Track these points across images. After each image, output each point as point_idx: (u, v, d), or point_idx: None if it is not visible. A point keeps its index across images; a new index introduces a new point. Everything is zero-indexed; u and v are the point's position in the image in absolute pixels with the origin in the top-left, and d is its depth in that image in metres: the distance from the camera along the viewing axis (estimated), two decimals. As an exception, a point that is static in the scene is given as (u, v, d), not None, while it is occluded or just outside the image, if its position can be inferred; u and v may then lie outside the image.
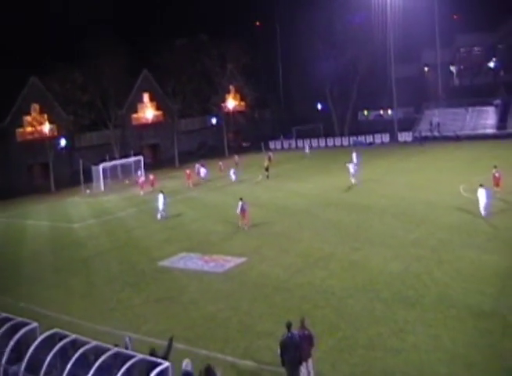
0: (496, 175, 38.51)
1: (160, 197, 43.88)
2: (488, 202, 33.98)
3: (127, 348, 17.24)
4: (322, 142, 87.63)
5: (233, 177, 57.45)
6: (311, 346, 16.75)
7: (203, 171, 61.79)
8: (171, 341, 16.95)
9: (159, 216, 43.79)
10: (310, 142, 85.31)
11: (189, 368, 15.85)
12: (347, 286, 24.55)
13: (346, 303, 22.72)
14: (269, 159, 65.62)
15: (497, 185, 38.25)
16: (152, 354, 16.33)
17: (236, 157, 70.70)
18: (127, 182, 66.18)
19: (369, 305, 22.21)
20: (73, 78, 67.63)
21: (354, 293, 23.64)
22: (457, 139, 75.53)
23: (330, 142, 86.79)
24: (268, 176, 57.46)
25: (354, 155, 56.54)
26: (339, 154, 67.80)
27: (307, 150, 75.83)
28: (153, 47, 75.83)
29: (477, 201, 34.33)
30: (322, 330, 19.80)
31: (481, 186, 34.20)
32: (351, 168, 49.92)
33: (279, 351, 16.58)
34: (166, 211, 44.06)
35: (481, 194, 33.87)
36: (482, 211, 34.00)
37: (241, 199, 37.66)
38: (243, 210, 37.21)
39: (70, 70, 66.63)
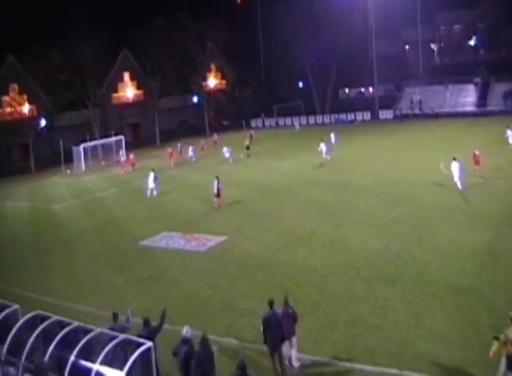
0: (477, 153, 38.74)
1: (151, 175, 43.81)
2: (462, 174, 34.80)
3: (128, 321, 17.57)
4: (303, 120, 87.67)
5: (227, 154, 56.31)
6: (295, 323, 16.83)
7: (191, 149, 61.05)
8: (163, 313, 17.09)
9: (148, 193, 43.73)
10: (299, 120, 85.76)
11: (188, 335, 16.13)
12: (329, 264, 24.69)
13: (327, 281, 22.86)
14: (251, 137, 65.58)
15: (477, 163, 38.46)
16: (145, 322, 16.69)
17: (215, 136, 70.89)
18: (103, 163, 65.60)
19: (350, 283, 22.36)
20: (50, 57, 66.90)
21: (335, 271, 23.79)
22: (436, 116, 75.84)
23: (312, 119, 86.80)
24: (248, 155, 57.43)
25: (332, 135, 56.74)
26: (320, 132, 67.56)
27: (297, 127, 77.08)
28: (132, 25, 75.09)
29: (452, 176, 35.05)
30: (304, 308, 19.90)
31: (454, 159, 35.31)
32: (324, 146, 50.24)
33: (261, 328, 16.65)
34: (157, 190, 43.99)
35: (455, 167, 34.92)
36: (458, 184, 34.80)
37: (217, 177, 37.65)
38: (217, 189, 37.17)
39: (46, 48, 65.88)
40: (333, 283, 22.55)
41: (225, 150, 56.84)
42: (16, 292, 24.45)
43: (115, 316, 17.47)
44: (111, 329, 16.83)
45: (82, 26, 67.56)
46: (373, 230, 28.80)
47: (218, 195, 37.21)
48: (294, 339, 16.79)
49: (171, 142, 71.30)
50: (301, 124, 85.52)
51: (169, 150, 60.06)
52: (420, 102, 79.49)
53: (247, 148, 58.00)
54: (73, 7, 68.44)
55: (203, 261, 27.23)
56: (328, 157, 49.91)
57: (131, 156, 59.26)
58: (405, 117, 77.88)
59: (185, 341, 15.99)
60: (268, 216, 33.94)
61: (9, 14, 76.81)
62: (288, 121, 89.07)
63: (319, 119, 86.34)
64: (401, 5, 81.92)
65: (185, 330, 16.18)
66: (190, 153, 60.53)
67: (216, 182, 37.18)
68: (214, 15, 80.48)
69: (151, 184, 43.71)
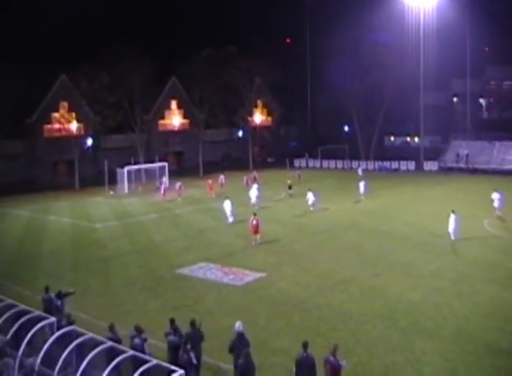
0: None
1: (227, 202, 44.93)
2: (456, 226, 35.76)
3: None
4: (347, 165, 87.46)
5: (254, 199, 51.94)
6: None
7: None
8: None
9: (230, 220, 44.56)
10: (364, 164, 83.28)
11: (240, 329, 18.18)
12: (366, 311, 24.47)
13: (363, 328, 22.64)
14: (298, 177, 66.05)
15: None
16: (192, 324, 18.67)
17: (255, 173, 69.06)
18: (140, 188, 65.90)
19: (386, 333, 22.12)
20: (100, 78, 68.40)
21: (372, 319, 23.56)
22: (473, 171, 75.20)
23: (355, 164, 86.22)
24: (291, 195, 56.86)
25: (361, 184, 55.10)
26: (365, 178, 66.75)
27: (360, 172, 71.62)
28: (182, 55, 76.32)
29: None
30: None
31: (452, 212, 36.24)
32: (312, 196, 48.86)
33: (294, 370, 16.56)
34: (234, 216, 44.86)
35: (452, 219, 35.92)
36: (451, 235, 35.89)
37: (254, 214, 37.97)
38: (254, 225, 37.24)
39: (97, 70, 67.75)
40: (369, 331, 22.33)
41: (254, 187, 53.34)
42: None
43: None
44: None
45: (133, 51, 69.10)
46: (412, 281, 28.52)
47: (256, 231, 37.24)
48: None
49: (214, 173, 71.54)
50: (344, 168, 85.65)
51: (209, 181, 60.43)
52: (467, 156, 78.61)
53: (290, 187, 57.50)
54: (125, 32, 70.02)
55: (239, 295, 27.26)
56: (312, 208, 48.62)
57: (178, 184, 58.97)
58: (450, 170, 77.22)
59: (239, 335, 17.83)
60: (306, 257, 33.86)
61: (62, 34, 79.12)
62: (332, 163, 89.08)
63: (363, 165, 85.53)
64: (451, 57, 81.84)
65: (238, 325, 18.06)
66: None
67: (251, 219, 37.43)
68: (263, 51, 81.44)
69: (229, 211, 44.62)
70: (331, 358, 16.45)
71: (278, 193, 58.01)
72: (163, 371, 15.62)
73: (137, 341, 18.22)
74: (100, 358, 16.80)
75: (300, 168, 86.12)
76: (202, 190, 62.14)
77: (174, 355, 17.93)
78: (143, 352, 17.67)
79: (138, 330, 18.53)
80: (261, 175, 69.71)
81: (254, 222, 37.24)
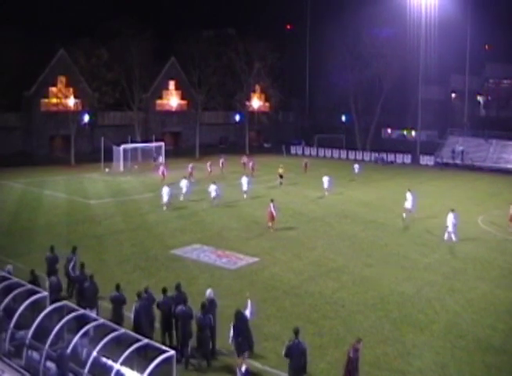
0: (513, 212, 38.04)
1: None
2: (455, 225, 34.97)
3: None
4: (343, 154, 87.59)
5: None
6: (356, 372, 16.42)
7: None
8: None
9: (214, 202, 44.98)
10: (362, 156, 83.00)
11: (212, 295, 19.62)
12: (358, 301, 24.54)
13: (355, 318, 22.69)
14: (305, 166, 66.18)
15: (513, 220, 37.84)
16: (177, 287, 20.65)
17: (245, 158, 68.13)
18: (136, 167, 66.03)
19: (377, 324, 22.17)
20: (98, 54, 68.10)
21: (364, 309, 23.63)
22: (472, 167, 75.30)
23: (352, 155, 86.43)
24: (281, 183, 56.13)
25: (325, 179, 51.77)
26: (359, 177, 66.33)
27: (356, 170, 64.67)
28: (181, 35, 76.03)
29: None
30: (329, 341, 19.86)
31: (452, 210, 35.46)
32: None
33: (284, 356, 16.59)
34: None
35: (450, 218, 35.07)
36: (452, 236, 35.09)
37: (272, 200, 37.74)
38: (270, 211, 36.95)
39: (96, 46, 67.74)
40: (360, 321, 22.38)
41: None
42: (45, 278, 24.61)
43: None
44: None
45: (133, 28, 68.86)
46: (406, 274, 28.58)
47: (272, 218, 36.97)
48: None
49: (210, 156, 71.30)
50: (340, 158, 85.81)
51: (208, 163, 60.64)
52: (463, 152, 78.72)
53: (281, 176, 56.58)
54: (126, 8, 69.88)
55: (232, 279, 27.29)
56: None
57: (190, 166, 57.92)
58: (446, 165, 77.27)
59: (210, 300, 18.98)
60: (300, 244, 33.93)
61: (62, 9, 78.63)
62: (328, 152, 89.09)
63: (359, 155, 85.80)
64: (452, 52, 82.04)
65: (209, 292, 19.26)
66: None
67: (272, 205, 36.97)
68: (263, 36, 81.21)
69: (213, 193, 44.65)
70: (351, 351, 16.37)
71: (273, 180, 57.82)
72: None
73: (137, 305, 19.41)
74: (94, 335, 16.87)
75: (296, 155, 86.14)
76: (199, 172, 61.75)
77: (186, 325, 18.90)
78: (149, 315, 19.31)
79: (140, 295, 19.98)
80: (256, 160, 69.25)
81: (272, 208, 36.90)
